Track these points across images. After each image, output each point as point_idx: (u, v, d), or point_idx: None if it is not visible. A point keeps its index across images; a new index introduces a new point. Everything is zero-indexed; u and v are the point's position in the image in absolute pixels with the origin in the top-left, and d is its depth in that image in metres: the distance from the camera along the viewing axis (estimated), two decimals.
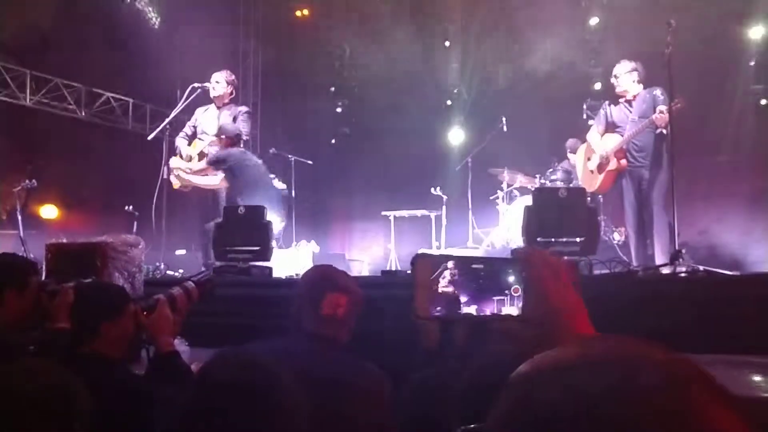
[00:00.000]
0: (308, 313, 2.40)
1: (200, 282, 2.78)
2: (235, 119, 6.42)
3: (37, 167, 8.20)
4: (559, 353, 0.58)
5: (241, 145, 6.37)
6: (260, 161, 6.50)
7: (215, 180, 6.39)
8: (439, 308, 0.95)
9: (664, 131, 5.39)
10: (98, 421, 1.86)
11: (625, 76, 5.86)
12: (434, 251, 7.82)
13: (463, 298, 0.96)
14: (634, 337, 0.59)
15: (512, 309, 0.96)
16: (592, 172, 6.16)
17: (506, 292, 0.95)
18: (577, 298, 0.91)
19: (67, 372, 1.71)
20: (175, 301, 2.65)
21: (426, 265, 0.96)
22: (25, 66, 9.54)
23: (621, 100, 5.97)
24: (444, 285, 0.95)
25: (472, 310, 0.96)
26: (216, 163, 6.28)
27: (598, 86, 8.94)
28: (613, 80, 5.98)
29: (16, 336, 2.84)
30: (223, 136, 6.29)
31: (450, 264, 0.96)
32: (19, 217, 6.62)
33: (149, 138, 6.53)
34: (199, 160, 6.48)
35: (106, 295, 2.69)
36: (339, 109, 10.98)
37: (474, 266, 0.97)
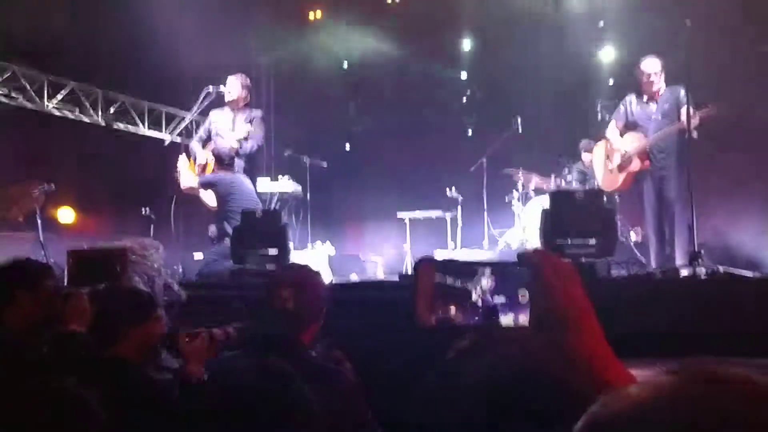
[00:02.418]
0: (263, 311, 2.51)
1: (239, 329, 2.86)
2: (250, 123, 6.45)
3: (55, 171, 8.25)
4: (637, 391, 0.54)
5: (234, 167, 6.35)
6: (252, 190, 6.48)
7: (212, 200, 6.44)
8: (476, 317, 0.93)
9: (695, 134, 5.32)
10: (118, 426, 1.88)
11: (659, 75, 5.75)
12: (445, 252, 7.82)
13: (500, 306, 0.92)
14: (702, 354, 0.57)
15: (522, 316, 0.91)
16: (611, 171, 6.11)
17: None
18: (587, 303, 0.89)
19: (79, 389, 1.71)
20: (214, 339, 2.72)
21: (429, 270, 0.93)
22: (41, 70, 9.61)
23: (644, 97, 5.87)
24: (480, 293, 0.92)
25: (509, 318, 0.92)
26: (205, 186, 6.35)
27: (610, 82, 8.93)
28: (644, 78, 5.78)
29: (29, 338, 2.87)
30: (212, 161, 6.35)
31: (487, 271, 0.93)
32: (39, 221, 6.66)
33: (166, 144, 6.59)
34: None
35: (135, 301, 2.73)
36: (352, 111, 11.00)
37: (476, 269, 0.93)
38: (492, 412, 1.09)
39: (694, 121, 5.20)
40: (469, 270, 0.93)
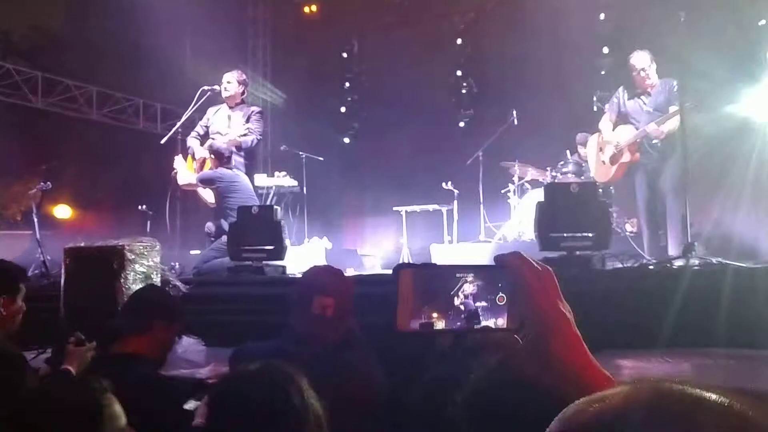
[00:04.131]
0: (299, 314, 2.61)
1: None
2: (248, 119, 6.45)
3: (51, 168, 8.27)
4: (602, 402, 0.57)
5: (232, 163, 6.35)
6: (250, 187, 6.48)
7: (210, 196, 6.44)
8: (458, 323, 0.94)
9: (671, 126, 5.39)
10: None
11: (652, 69, 5.78)
12: (441, 246, 7.84)
13: (482, 311, 0.94)
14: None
15: (500, 319, 0.93)
16: (604, 163, 6.16)
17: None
18: (565, 306, 0.89)
19: (97, 389, 1.75)
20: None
21: (408, 276, 0.94)
22: (36, 68, 9.61)
23: (636, 90, 5.90)
24: (463, 298, 0.93)
25: (490, 322, 0.94)
26: (205, 182, 6.36)
27: (603, 72, 8.95)
28: (641, 73, 5.75)
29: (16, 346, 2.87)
30: (211, 156, 6.35)
31: (470, 277, 0.94)
32: (35, 219, 6.67)
33: (162, 142, 6.59)
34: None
35: (168, 300, 2.85)
36: (348, 105, 11.01)
37: (458, 275, 0.94)
38: (477, 417, 1.11)
39: (660, 131, 5.32)
40: (451, 275, 0.95)
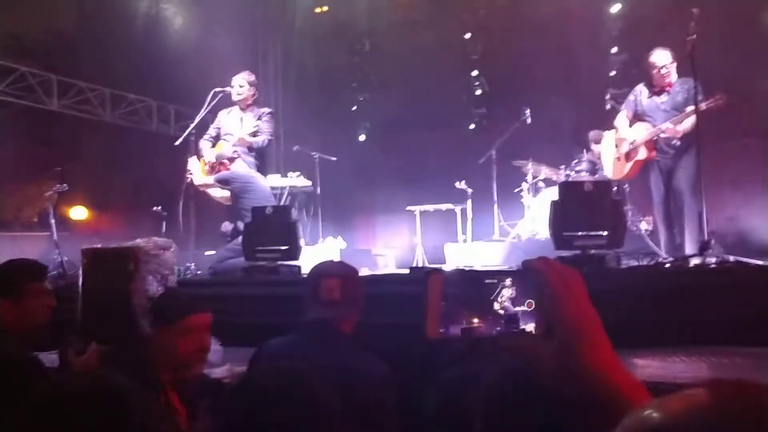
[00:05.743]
0: (310, 302, 2.67)
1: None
2: (259, 119, 6.47)
3: (67, 170, 8.32)
4: (664, 410, 0.57)
5: (247, 165, 6.37)
6: (266, 188, 6.49)
7: (227, 194, 6.46)
8: (498, 328, 0.94)
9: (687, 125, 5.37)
10: None
11: (672, 67, 5.75)
12: (455, 246, 7.83)
13: (521, 315, 0.94)
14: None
15: (528, 324, 0.93)
16: (619, 159, 6.15)
17: None
18: (593, 311, 0.89)
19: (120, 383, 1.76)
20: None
21: (437, 282, 0.94)
22: (50, 70, 9.67)
23: (654, 89, 5.87)
24: (502, 304, 0.94)
25: (530, 326, 0.94)
26: (221, 182, 6.38)
27: (613, 73, 8.92)
28: (661, 71, 5.76)
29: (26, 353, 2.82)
30: (225, 159, 6.38)
31: (508, 281, 0.95)
32: (53, 221, 6.72)
33: (176, 144, 6.62)
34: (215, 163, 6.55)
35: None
36: (360, 104, 11.01)
37: (491, 279, 0.95)
38: (492, 420, 1.11)
39: (675, 130, 5.29)
40: (483, 280, 0.96)
